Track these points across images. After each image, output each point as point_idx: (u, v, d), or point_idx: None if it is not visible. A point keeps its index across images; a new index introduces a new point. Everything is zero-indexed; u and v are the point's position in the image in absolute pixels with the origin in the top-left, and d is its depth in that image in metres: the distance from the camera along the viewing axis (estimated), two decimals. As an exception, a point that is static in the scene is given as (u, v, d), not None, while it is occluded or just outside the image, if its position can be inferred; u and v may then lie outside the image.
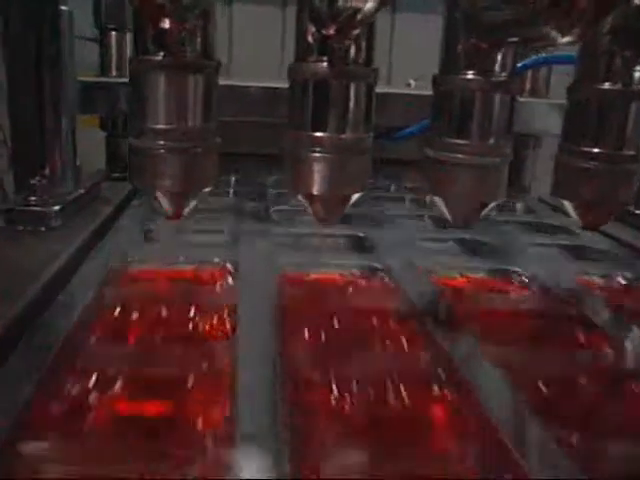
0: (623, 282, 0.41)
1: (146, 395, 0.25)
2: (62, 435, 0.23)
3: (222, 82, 0.34)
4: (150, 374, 0.27)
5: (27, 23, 0.40)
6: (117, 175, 0.66)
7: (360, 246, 0.44)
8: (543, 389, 0.26)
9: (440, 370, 0.26)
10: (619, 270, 0.42)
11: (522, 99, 0.65)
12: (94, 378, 0.26)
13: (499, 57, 0.33)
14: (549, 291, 0.37)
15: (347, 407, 0.24)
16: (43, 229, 0.40)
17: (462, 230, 0.45)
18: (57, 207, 0.40)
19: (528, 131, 0.64)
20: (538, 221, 0.55)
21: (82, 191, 0.44)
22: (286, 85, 0.33)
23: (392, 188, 0.63)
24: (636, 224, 0.51)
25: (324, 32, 0.31)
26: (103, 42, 0.67)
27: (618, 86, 0.35)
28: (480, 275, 0.39)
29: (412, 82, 0.71)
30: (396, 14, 0.89)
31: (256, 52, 0.83)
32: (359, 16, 0.27)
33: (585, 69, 0.36)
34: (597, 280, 0.41)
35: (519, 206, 0.62)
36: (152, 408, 0.25)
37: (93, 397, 0.25)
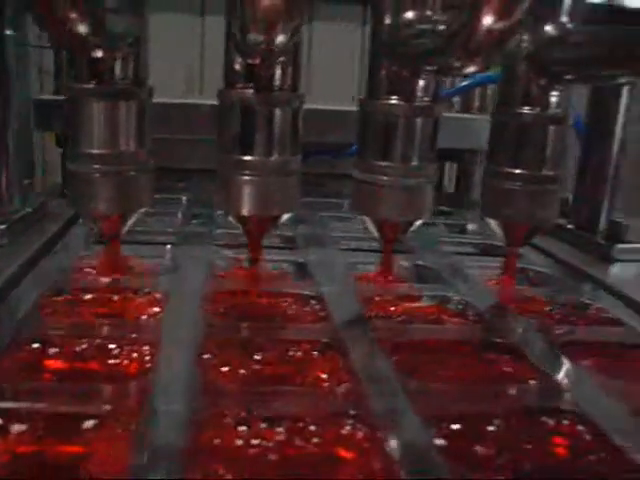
0: (561, 309, 0.43)
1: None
2: None
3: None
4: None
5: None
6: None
7: (299, 271, 0.46)
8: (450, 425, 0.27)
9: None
10: (558, 294, 0.44)
11: (469, 116, 0.67)
12: None
13: (420, 83, 0.35)
14: (480, 318, 0.39)
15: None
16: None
17: (406, 255, 0.46)
18: (3, 226, 0.41)
19: (475, 147, 0.65)
20: (483, 242, 0.56)
21: (29, 210, 0.45)
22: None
23: (345, 205, 0.64)
24: (571, 240, 0.53)
25: (249, 61, 0.32)
26: (57, 61, 0.68)
27: (535, 110, 0.36)
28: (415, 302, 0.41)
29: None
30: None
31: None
32: (275, 48, 0.29)
33: (505, 93, 0.38)
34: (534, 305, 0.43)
35: (469, 227, 0.63)
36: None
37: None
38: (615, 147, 0.52)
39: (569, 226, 0.54)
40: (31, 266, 0.40)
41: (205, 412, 0.25)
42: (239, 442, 0.24)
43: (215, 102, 0.35)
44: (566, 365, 0.31)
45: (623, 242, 0.49)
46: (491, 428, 0.26)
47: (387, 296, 0.41)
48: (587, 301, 0.42)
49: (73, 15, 0.25)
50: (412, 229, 0.38)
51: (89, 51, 0.30)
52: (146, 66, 0.34)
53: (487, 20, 0.25)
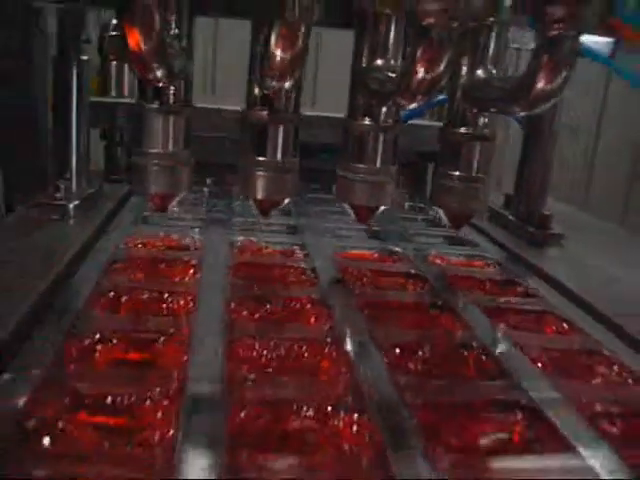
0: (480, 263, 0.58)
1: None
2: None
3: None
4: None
5: (58, 71, 0.55)
6: (114, 177, 0.81)
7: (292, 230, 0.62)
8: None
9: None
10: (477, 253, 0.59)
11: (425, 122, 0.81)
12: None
13: (384, 109, 0.49)
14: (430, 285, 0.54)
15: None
16: (65, 219, 0.55)
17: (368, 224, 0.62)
18: (76, 202, 0.56)
19: (428, 149, 0.79)
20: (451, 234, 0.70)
21: (92, 190, 0.59)
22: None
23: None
24: (512, 228, 0.67)
25: (265, 92, 0.46)
26: (104, 68, 0.82)
27: (469, 130, 0.50)
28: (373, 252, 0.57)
29: None
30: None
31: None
32: (286, 87, 0.43)
33: (449, 116, 0.52)
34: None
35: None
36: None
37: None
38: (547, 153, 0.66)
39: (510, 217, 0.68)
40: (99, 235, 0.54)
41: (232, 336, 0.40)
42: (255, 354, 0.39)
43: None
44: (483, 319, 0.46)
45: (548, 230, 0.64)
46: (421, 352, 0.41)
47: (361, 267, 0.56)
48: (513, 277, 0.56)
49: (157, 66, 0.39)
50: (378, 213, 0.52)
51: (157, 83, 0.44)
52: (191, 90, 0.48)
53: (420, 72, 0.40)
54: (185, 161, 0.48)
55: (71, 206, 0.56)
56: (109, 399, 0.32)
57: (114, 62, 0.80)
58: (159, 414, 0.31)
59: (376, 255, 0.59)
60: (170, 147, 0.48)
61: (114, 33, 0.79)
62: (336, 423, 0.32)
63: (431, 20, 0.38)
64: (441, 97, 0.56)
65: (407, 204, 0.75)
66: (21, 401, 0.30)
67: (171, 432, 0.30)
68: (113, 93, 0.82)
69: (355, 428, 0.31)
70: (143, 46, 0.37)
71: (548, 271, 0.56)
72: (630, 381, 0.39)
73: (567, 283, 0.53)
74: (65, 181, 0.56)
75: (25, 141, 0.60)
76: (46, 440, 0.29)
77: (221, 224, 0.62)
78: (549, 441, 0.32)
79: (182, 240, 0.57)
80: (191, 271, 0.51)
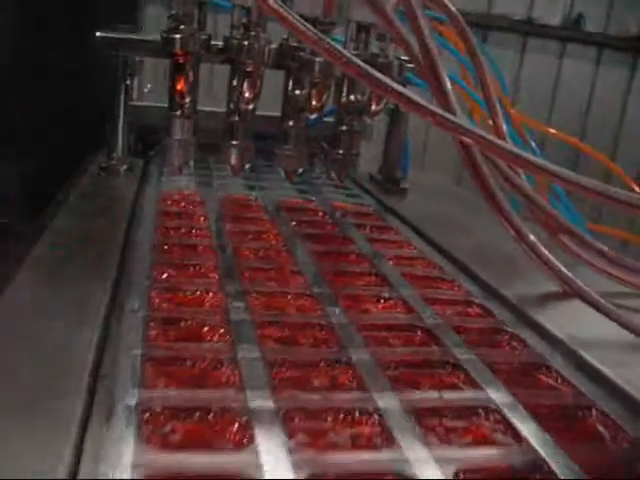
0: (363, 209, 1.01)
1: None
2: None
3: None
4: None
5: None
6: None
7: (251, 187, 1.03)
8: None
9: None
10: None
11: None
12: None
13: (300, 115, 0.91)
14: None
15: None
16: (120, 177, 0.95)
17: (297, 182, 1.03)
18: (125, 167, 0.96)
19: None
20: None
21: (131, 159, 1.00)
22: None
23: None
24: (380, 185, 1.11)
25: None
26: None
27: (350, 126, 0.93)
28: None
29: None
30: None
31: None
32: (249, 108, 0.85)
33: (338, 118, 0.94)
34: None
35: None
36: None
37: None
38: (400, 133, 1.10)
39: (379, 177, 1.11)
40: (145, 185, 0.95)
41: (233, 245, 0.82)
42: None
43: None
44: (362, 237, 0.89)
45: (399, 186, 1.07)
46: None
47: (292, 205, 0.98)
48: (368, 209, 1.00)
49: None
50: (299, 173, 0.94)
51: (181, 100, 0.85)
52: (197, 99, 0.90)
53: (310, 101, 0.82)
54: (192, 144, 0.90)
55: (122, 169, 0.97)
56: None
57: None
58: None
59: (300, 201, 1.01)
60: (184, 136, 0.89)
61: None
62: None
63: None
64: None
65: (319, 170, 1.17)
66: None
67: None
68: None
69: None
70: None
71: (392, 207, 0.99)
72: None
73: (407, 218, 0.96)
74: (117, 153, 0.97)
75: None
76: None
77: (209, 184, 1.03)
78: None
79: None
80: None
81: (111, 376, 0.43)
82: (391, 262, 0.73)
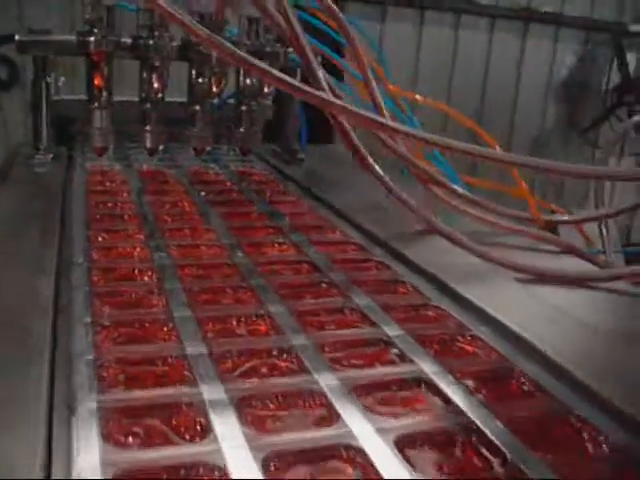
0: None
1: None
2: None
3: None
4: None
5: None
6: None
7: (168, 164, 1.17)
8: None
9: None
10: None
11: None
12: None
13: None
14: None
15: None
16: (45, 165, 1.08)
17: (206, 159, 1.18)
18: (51, 155, 1.09)
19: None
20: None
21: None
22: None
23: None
24: (279, 156, 1.27)
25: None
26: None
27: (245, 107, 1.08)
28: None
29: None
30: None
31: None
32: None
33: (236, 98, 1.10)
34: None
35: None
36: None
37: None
38: (292, 109, 1.26)
39: (278, 150, 1.28)
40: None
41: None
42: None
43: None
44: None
45: (296, 156, 1.24)
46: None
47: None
48: (268, 177, 1.15)
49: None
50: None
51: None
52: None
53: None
54: (111, 131, 1.03)
55: (49, 158, 1.09)
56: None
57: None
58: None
59: (209, 174, 1.15)
60: (104, 125, 1.02)
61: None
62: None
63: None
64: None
65: (225, 147, 1.32)
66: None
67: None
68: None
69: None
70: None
71: (289, 174, 1.16)
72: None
73: (302, 182, 1.12)
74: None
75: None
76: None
77: (129, 165, 1.16)
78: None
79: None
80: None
81: (68, 307, 0.57)
82: (286, 217, 0.89)
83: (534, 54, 3.75)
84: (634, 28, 3.77)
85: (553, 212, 1.17)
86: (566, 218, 1.07)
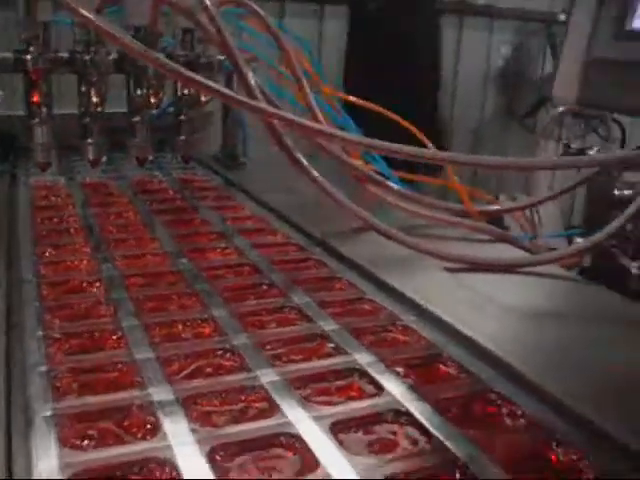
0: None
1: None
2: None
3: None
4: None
5: None
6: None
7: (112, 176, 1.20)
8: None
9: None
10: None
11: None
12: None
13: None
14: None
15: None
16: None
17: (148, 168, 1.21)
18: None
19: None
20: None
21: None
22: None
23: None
24: (222, 162, 1.30)
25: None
26: None
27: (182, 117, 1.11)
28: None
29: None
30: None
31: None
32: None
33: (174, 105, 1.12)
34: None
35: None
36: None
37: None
38: (236, 117, 1.29)
39: (220, 156, 1.31)
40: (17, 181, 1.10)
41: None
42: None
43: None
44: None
45: (238, 161, 1.27)
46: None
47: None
48: (210, 183, 1.19)
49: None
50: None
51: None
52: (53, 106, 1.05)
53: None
54: (53, 146, 1.05)
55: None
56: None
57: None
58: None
59: (153, 182, 1.18)
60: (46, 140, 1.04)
61: None
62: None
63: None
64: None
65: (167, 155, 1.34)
66: None
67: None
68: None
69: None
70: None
71: (231, 179, 1.19)
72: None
73: (244, 186, 1.16)
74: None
75: None
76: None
77: (72, 178, 1.18)
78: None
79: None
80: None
81: (21, 322, 0.60)
82: (228, 222, 0.93)
83: (470, 46, 3.84)
84: (564, 17, 3.88)
85: (489, 203, 1.22)
86: (498, 207, 1.13)
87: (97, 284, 0.69)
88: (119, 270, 0.73)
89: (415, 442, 0.46)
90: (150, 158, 1.11)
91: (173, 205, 1.02)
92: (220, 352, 0.56)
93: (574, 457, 0.45)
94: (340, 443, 0.44)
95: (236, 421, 0.46)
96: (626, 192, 0.98)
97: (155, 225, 0.91)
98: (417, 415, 0.48)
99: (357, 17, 3.07)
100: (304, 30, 3.76)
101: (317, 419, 0.47)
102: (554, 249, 0.89)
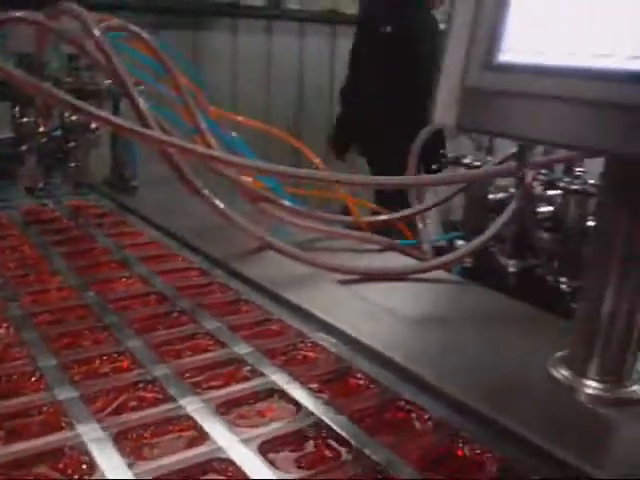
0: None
1: None
2: None
3: None
4: None
5: None
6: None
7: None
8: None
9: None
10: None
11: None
12: None
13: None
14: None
15: None
16: None
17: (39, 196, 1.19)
18: None
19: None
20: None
21: None
22: None
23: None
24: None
25: None
26: None
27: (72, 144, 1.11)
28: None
29: None
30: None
31: None
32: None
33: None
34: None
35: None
36: None
37: None
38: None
39: (111, 180, 1.30)
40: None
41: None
42: None
43: None
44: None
45: (129, 184, 1.27)
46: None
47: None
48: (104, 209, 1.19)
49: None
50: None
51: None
52: None
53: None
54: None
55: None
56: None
57: None
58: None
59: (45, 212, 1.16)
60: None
61: None
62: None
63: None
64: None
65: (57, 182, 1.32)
66: None
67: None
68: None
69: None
70: None
71: (124, 203, 1.19)
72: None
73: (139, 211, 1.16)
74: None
75: None
76: None
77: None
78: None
79: None
80: None
81: None
82: (127, 250, 0.94)
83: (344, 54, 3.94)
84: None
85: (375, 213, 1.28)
86: (386, 217, 1.19)
87: (5, 324, 0.69)
88: (25, 309, 0.73)
89: (338, 453, 0.50)
90: (40, 185, 1.10)
91: (69, 235, 1.01)
92: (141, 384, 0.58)
93: (478, 452, 0.51)
94: (271, 463, 0.48)
95: (169, 452, 0.49)
96: (499, 195, 1.07)
97: (54, 257, 0.90)
98: (336, 428, 0.52)
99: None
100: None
101: (245, 442, 0.50)
102: (440, 254, 0.96)
